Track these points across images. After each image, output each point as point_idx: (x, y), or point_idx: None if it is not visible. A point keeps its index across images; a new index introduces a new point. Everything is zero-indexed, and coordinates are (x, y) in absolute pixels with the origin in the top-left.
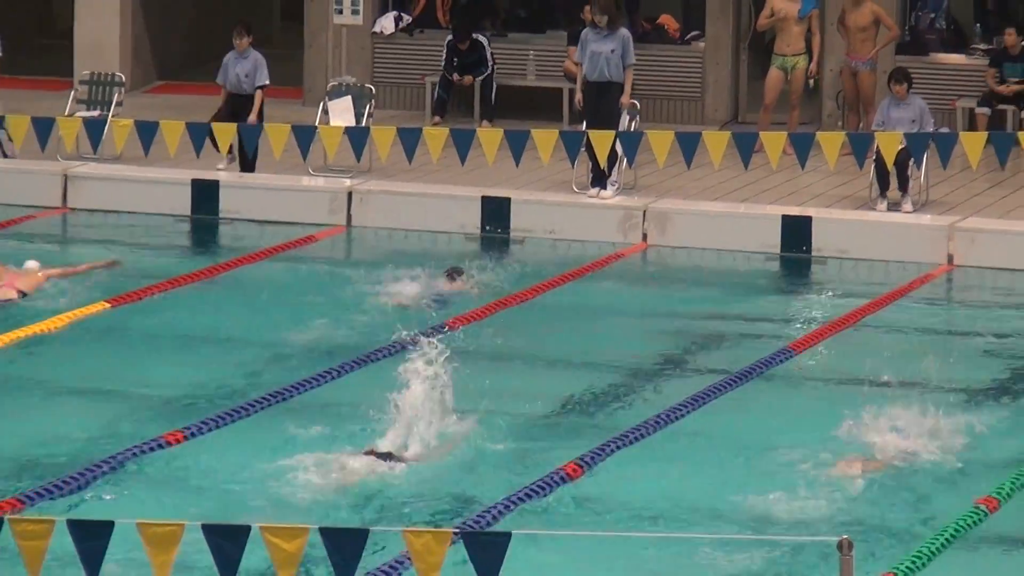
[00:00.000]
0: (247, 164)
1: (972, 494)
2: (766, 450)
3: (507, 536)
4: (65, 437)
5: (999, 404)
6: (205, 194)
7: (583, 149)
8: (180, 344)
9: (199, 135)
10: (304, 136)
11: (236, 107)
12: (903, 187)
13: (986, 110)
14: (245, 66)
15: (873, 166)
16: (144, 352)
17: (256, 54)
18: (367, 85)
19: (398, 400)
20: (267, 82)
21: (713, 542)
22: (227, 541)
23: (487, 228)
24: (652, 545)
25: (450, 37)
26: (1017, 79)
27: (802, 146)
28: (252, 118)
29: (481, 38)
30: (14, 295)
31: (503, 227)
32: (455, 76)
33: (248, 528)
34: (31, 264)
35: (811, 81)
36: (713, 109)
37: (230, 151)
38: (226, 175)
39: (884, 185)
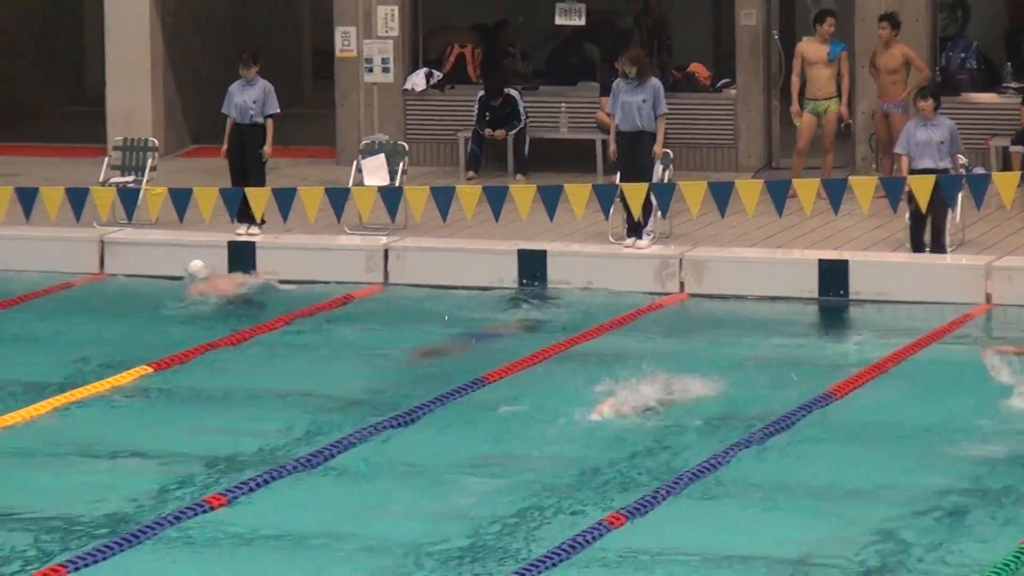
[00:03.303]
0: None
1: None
2: (811, 497)
3: None
4: (105, 501)
5: None
6: (242, 255)
7: (617, 200)
8: (219, 405)
9: (233, 200)
10: (337, 198)
11: (244, 136)
12: (937, 239)
13: (1020, 148)
14: (253, 93)
15: (907, 210)
16: (185, 414)
17: (264, 82)
18: (400, 143)
19: (434, 461)
20: (277, 110)
21: None
22: None
23: (524, 281)
24: None
25: (482, 92)
26: None
27: (835, 192)
28: (267, 149)
29: (513, 92)
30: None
31: (540, 280)
32: (487, 131)
33: None
34: (196, 264)
35: (843, 124)
36: (747, 155)
37: (253, 220)
38: (262, 237)
39: (918, 227)
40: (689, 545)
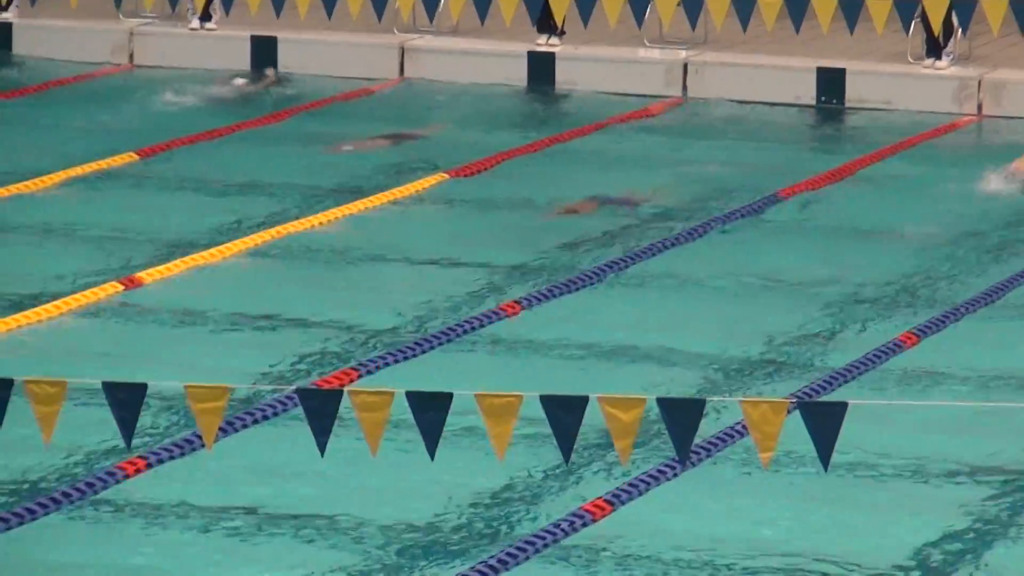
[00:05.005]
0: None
1: None
2: None
3: (844, 406)
4: (398, 307)
5: None
6: (541, 66)
7: (917, 19)
8: (481, 214)
9: (535, 4)
10: (638, 5)
11: None
12: None
13: None
14: None
15: None
16: (467, 224)
17: None
18: None
19: (725, 274)
20: None
21: None
22: (565, 412)
23: (822, 99)
24: (993, 413)
25: None
26: None
27: None
28: None
29: None
30: None
31: (838, 98)
32: None
33: (586, 399)
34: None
35: None
36: None
37: (554, 30)
38: (562, 48)
39: None
40: (975, 367)
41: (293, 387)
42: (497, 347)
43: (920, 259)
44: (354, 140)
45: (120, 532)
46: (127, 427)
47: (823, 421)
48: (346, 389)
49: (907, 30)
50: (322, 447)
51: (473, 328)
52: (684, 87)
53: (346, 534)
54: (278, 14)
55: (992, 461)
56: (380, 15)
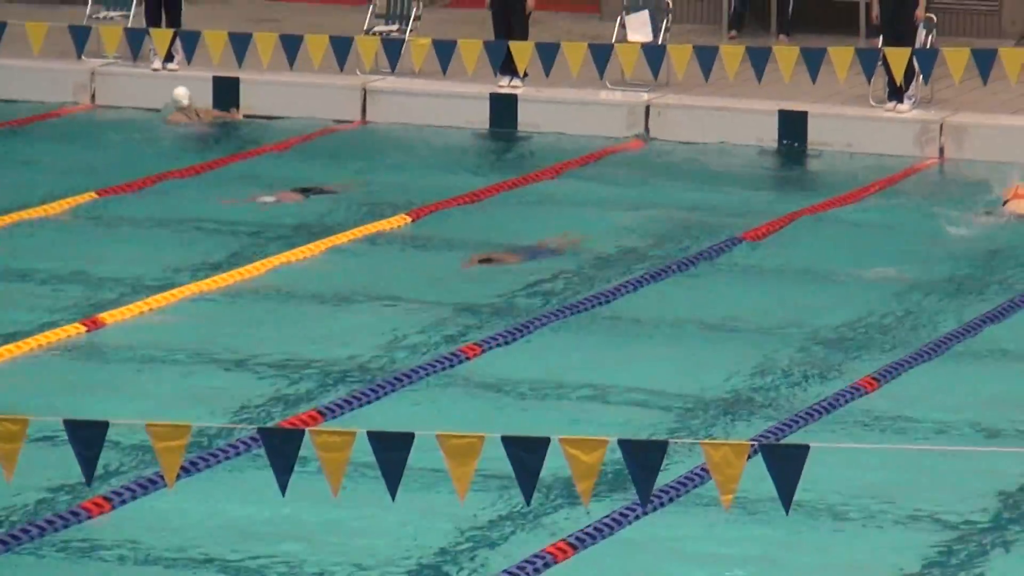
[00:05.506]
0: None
1: None
2: None
3: (805, 448)
4: (360, 349)
5: None
6: (503, 108)
7: (879, 63)
8: (451, 254)
9: (497, 53)
10: (600, 54)
11: None
12: None
13: None
14: None
15: None
16: (428, 266)
17: None
18: (664, 0)
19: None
20: None
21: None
22: (527, 453)
23: (784, 141)
24: (951, 458)
25: None
26: None
27: None
28: (531, 2)
29: None
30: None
31: (800, 140)
32: None
33: (547, 440)
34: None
35: None
36: (1010, 21)
37: (516, 73)
38: (524, 90)
39: None
40: (934, 411)
41: (255, 427)
42: (458, 389)
43: (881, 302)
44: (314, 181)
45: (82, 570)
46: (88, 465)
47: (785, 464)
48: (308, 429)
49: (869, 77)
50: (283, 486)
51: (435, 370)
52: (647, 128)
53: (309, 574)
54: (240, 63)
55: (952, 505)
56: (342, 64)
